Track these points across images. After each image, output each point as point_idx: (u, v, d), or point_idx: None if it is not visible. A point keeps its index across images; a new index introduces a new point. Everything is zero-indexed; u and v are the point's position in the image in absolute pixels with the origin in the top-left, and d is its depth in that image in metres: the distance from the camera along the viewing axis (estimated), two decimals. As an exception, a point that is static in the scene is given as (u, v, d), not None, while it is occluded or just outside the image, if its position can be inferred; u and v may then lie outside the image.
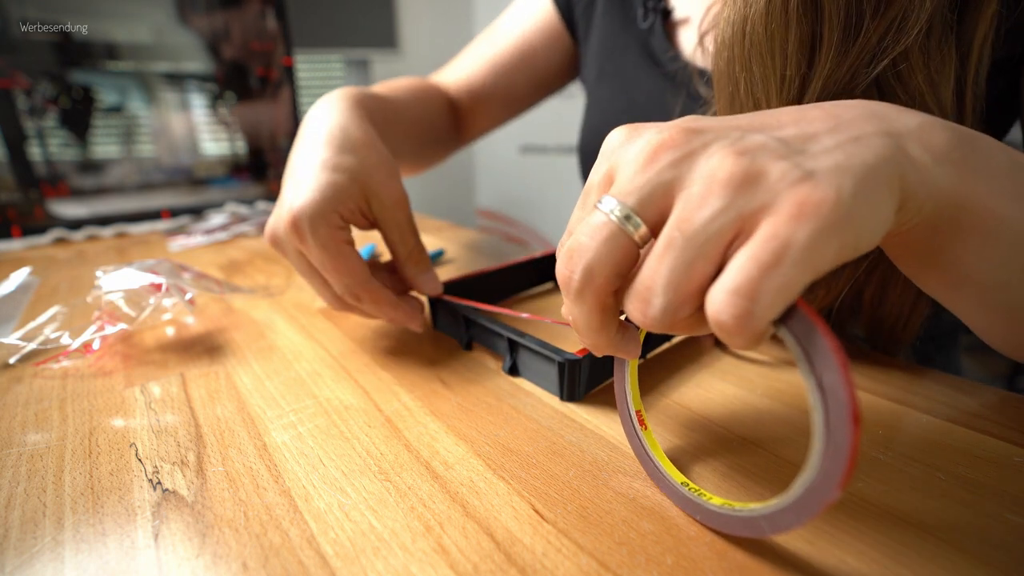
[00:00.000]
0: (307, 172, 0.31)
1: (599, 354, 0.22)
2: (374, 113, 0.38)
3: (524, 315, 0.29)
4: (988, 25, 0.25)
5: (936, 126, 0.19)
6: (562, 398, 0.28)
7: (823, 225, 0.14)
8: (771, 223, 0.15)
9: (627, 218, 0.17)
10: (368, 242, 0.58)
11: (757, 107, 0.28)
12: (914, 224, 0.19)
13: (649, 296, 0.17)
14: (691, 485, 0.20)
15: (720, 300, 0.15)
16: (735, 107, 0.29)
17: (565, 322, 0.23)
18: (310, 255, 0.30)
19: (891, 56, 0.25)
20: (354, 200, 0.31)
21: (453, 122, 0.57)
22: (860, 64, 0.25)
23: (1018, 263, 0.21)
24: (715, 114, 0.33)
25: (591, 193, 0.20)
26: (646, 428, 0.22)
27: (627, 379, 0.23)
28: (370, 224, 0.33)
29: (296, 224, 0.29)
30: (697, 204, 0.16)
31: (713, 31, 0.29)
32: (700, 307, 0.17)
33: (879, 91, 0.26)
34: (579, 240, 0.18)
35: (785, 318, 0.15)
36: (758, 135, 0.17)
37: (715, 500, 0.19)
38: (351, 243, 0.31)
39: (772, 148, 0.16)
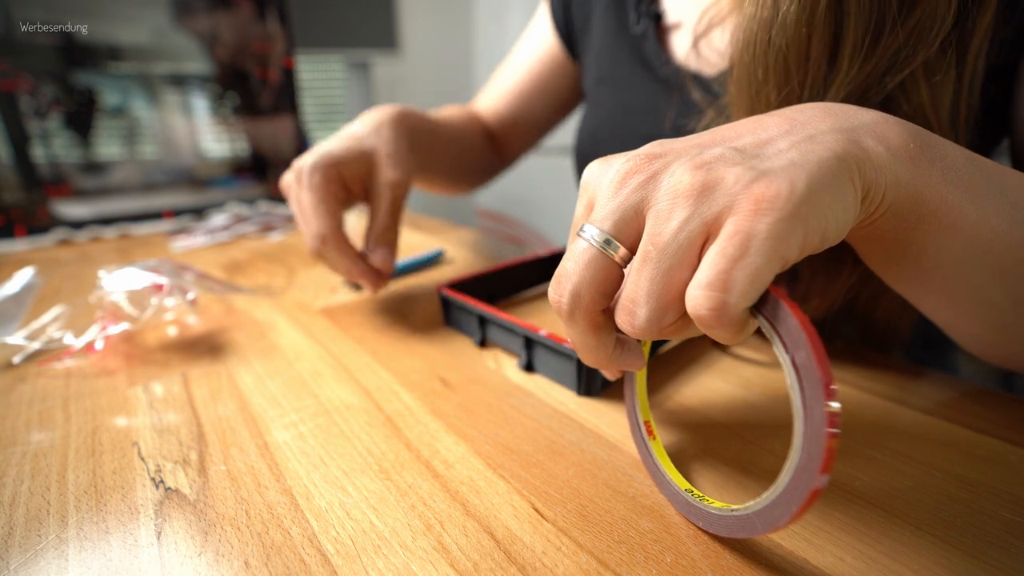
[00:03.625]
0: (333, 137, 0.38)
1: (606, 371, 0.23)
2: (413, 122, 0.42)
3: (542, 331, 0.29)
4: (983, 36, 0.25)
5: (890, 121, 0.20)
6: (579, 393, 0.29)
7: (781, 216, 0.15)
8: (733, 221, 0.16)
9: (607, 242, 0.18)
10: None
11: (779, 108, 0.27)
12: (879, 215, 0.20)
13: (634, 308, 0.18)
14: (695, 492, 0.20)
15: (696, 296, 0.16)
16: (757, 107, 0.28)
17: None
18: (300, 197, 0.35)
19: (911, 67, 0.25)
20: (358, 166, 0.36)
21: (492, 148, 0.61)
22: (876, 73, 0.25)
23: (978, 256, 0.22)
24: (722, 120, 0.33)
25: (577, 224, 0.21)
26: (654, 438, 0.23)
27: (635, 390, 0.23)
28: (364, 195, 0.38)
29: (300, 168, 0.35)
30: (665, 218, 0.17)
31: (733, 30, 0.28)
32: (684, 312, 0.18)
33: (884, 105, 0.26)
34: (565, 267, 0.19)
35: (759, 305, 0.16)
36: (716, 148, 0.18)
37: (716, 504, 0.19)
38: (339, 200, 0.36)
39: (728, 157, 0.17)
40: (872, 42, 0.25)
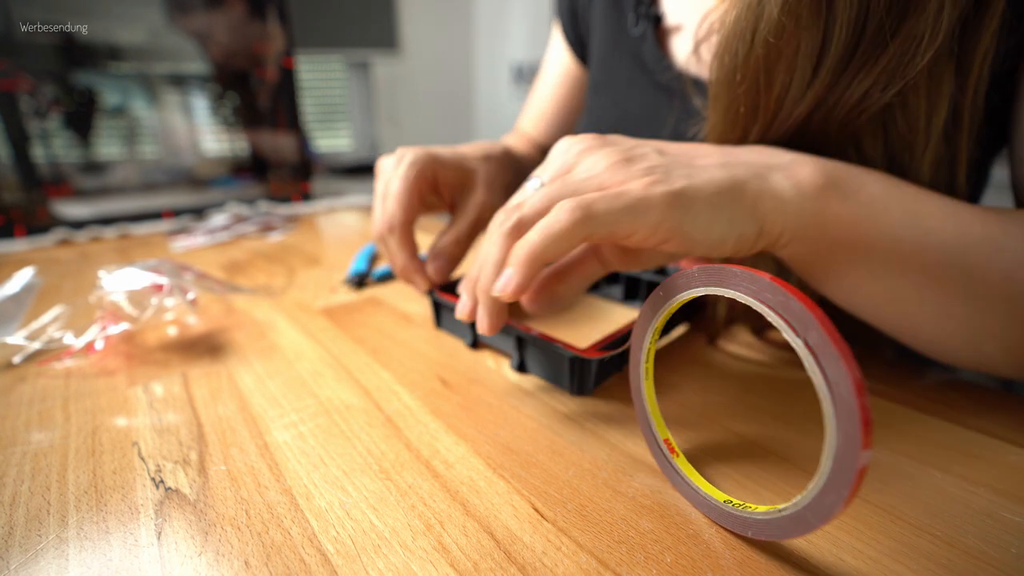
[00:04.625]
0: (442, 146, 0.41)
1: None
2: (512, 162, 0.48)
3: (534, 330, 0.29)
4: (989, 43, 0.25)
5: (807, 161, 0.24)
6: (572, 392, 0.29)
7: (620, 206, 0.21)
8: (604, 192, 0.22)
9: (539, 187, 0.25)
10: (370, 242, 0.58)
11: (755, 113, 0.28)
12: (788, 240, 0.24)
13: (526, 206, 0.24)
14: (734, 501, 0.19)
15: (566, 204, 0.21)
16: (729, 114, 0.29)
17: (574, 347, 0.27)
18: (390, 181, 0.37)
19: (901, 84, 0.25)
20: (455, 175, 0.39)
21: None
22: (876, 87, 0.25)
23: (897, 277, 0.24)
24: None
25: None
26: (678, 455, 0.22)
27: (647, 408, 0.23)
28: (450, 205, 0.40)
29: (402, 154, 0.37)
30: (578, 170, 0.25)
31: (718, 32, 0.28)
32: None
33: (881, 115, 0.26)
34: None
35: (764, 297, 0.16)
36: (646, 148, 0.24)
37: (762, 509, 0.18)
38: (422, 200, 0.37)
39: (649, 158, 0.23)
40: (856, 56, 0.25)
